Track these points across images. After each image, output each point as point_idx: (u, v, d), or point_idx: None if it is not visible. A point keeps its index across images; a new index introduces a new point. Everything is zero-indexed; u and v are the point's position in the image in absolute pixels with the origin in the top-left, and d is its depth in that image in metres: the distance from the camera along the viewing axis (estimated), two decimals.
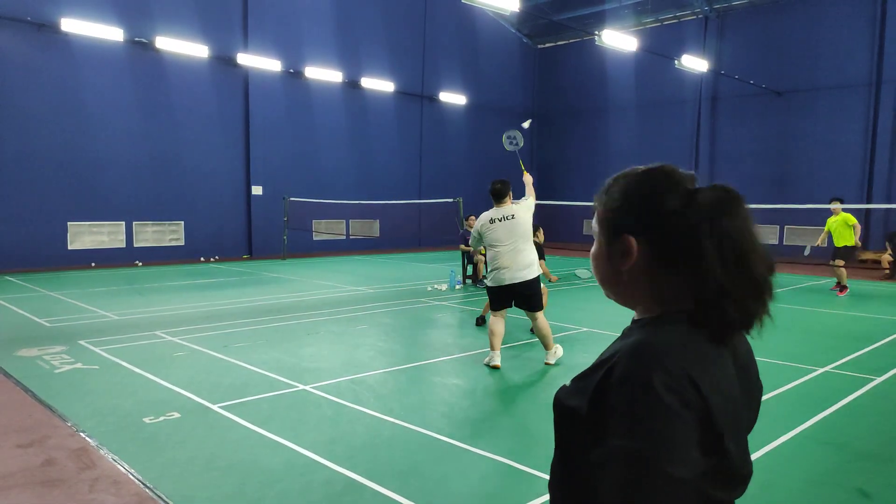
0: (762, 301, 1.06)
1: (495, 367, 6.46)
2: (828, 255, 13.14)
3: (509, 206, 6.49)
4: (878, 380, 6.16)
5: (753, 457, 4.06)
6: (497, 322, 6.50)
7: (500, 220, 6.40)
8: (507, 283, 6.36)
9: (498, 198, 6.51)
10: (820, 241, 12.53)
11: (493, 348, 6.51)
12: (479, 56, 24.98)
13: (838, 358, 7.02)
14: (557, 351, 6.68)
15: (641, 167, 1.17)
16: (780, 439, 4.51)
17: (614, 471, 0.97)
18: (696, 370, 0.99)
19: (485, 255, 9.28)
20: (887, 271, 15.40)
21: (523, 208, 6.50)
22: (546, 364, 6.61)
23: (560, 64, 26.99)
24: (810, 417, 5.01)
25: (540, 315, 6.53)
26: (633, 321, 1.16)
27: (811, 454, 4.31)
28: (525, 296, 6.45)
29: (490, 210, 6.57)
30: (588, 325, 8.81)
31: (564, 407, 1.12)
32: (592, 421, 1.04)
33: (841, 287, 12.04)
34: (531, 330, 8.29)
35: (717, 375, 1.03)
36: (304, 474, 3.94)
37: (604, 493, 0.98)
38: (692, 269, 1.06)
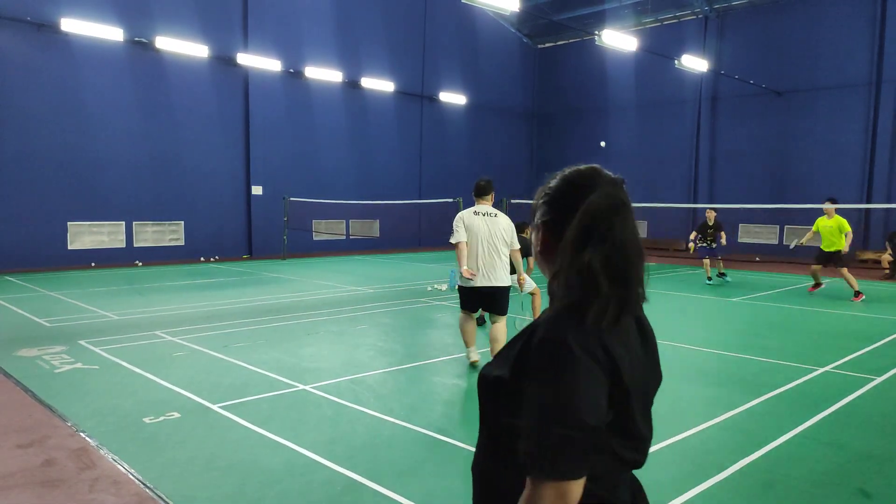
0: (632, 294, 1.21)
1: (475, 363, 6.47)
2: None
3: (491, 207, 6.47)
4: (878, 380, 6.17)
5: (753, 457, 4.09)
6: (467, 321, 6.50)
7: (484, 216, 6.35)
8: (476, 286, 6.27)
9: (481, 194, 6.46)
10: (805, 239, 12.43)
11: (468, 345, 6.53)
12: (479, 56, 24.96)
13: (838, 358, 7.02)
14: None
15: (573, 168, 1.33)
16: (780, 439, 4.50)
17: (533, 419, 1.10)
18: (607, 334, 1.16)
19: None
20: (887, 271, 15.41)
21: (506, 218, 6.48)
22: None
23: (560, 64, 26.97)
24: (810, 417, 5.00)
25: (503, 320, 6.45)
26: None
27: (811, 454, 4.31)
28: (493, 301, 6.36)
29: (472, 207, 6.51)
30: None
31: (489, 379, 1.25)
32: (515, 386, 1.17)
33: (856, 293, 11.39)
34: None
35: (624, 339, 1.20)
36: (304, 474, 3.94)
37: (523, 441, 1.10)
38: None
